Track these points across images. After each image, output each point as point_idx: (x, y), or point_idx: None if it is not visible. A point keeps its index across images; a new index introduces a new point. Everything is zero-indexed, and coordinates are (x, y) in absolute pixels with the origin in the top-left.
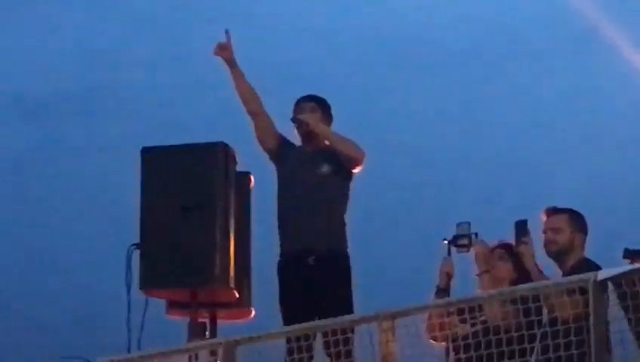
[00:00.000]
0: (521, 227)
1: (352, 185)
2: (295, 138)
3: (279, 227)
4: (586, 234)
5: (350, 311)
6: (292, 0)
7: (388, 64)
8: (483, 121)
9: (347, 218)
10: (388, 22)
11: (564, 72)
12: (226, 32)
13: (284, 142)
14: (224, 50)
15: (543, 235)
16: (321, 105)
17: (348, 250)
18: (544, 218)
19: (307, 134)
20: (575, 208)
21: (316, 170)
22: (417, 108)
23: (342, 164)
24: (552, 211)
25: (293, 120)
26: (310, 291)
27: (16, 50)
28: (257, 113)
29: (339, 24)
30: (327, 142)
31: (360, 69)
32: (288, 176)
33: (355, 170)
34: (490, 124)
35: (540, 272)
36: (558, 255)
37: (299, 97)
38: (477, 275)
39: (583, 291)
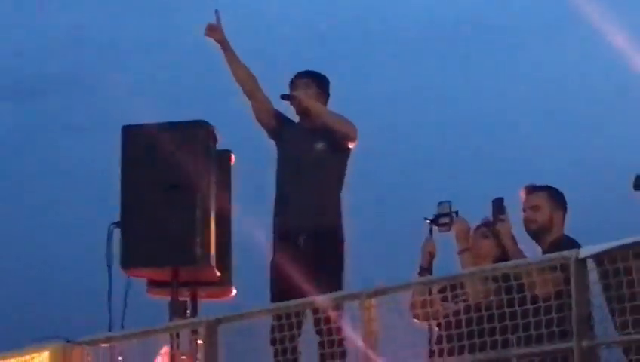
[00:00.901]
0: (498, 205)
1: (349, 161)
2: (294, 114)
3: (275, 203)
4: (565, 211)
5: (340, 288)
6: None
7: None
8: None
9: (343, 195)
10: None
11: None
12: (216, 12)
13: (282, 120)
14: (214, 32)
15: (523, 213)
16: (317, 81)
17: (343, 227)
18: (523, 196)
19: (301, 111)
20: (553, 185)
21: (312, 147)
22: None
23: (337, 141)
24: (531, 189)
25: (282, 96)
26: (301, 267)
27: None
28: (254, 94)
29: None
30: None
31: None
32: (286, 153)
33: (350, 146)
34: None
35: (518, 250)
36: (537, 233)
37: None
38: (458, 253)
39: (564, 268)
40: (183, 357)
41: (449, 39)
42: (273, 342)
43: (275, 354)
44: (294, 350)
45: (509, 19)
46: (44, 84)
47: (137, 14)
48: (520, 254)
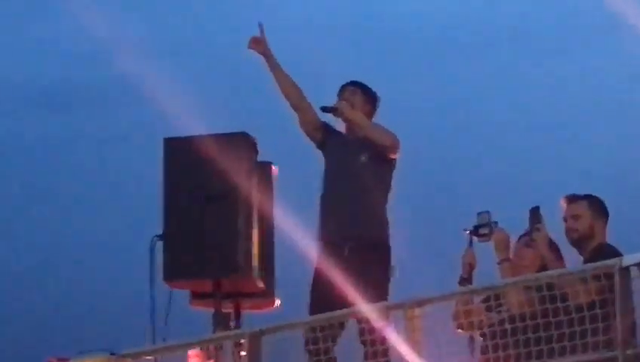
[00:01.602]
0: (535, 213)
1: (395, 173)
2: (340, 124)
3: (320, 213)
4: (606, 219)
5: (385, 298)
6: None
7: None
8: None
9: (389, 207)
10: None
11: None
12: (260, 25)
13: (328, 131)
14: (258, 44)
15: (564, 223)
16: (362, 89)
17: (388, 237)
18: (564, 205)
19: (345, 121)
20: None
21: (357, 158)
22: None
23: (379, 152)
24: (572, 198)
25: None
26: (346, 277)
27: (32, 39)
28: (299, 106)
29: None
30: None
31: None
32: (332, 163)
33: (393, 157)
34: None
35: (555, 259)
36: (579, 242)
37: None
38: (498, 263)
39: (608, 277)
40: None
41: (486, 44)
42: (309, 353)
43: None
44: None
45: (550, 24)
46: (80, 93)
47: (174, 21)
48: (556, 262)
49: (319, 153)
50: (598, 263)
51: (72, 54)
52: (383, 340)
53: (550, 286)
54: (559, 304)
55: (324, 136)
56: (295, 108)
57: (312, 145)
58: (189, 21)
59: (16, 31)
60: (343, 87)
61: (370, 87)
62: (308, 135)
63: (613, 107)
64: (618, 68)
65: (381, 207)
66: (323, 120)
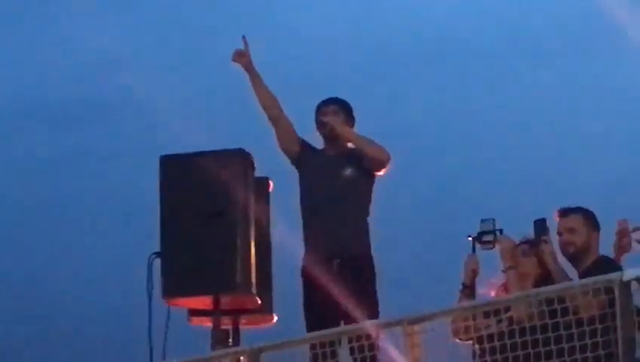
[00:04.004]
0: (540, 226)
1: (375, 186)
2: (316, 141)
3: (303, 231)
4: (599, 231)
5: (376, 315)
6: None
7: None
8: None
9: (370, 220)
10: None
11: None
12: (243, 38)
13: (305, 147)
14: (241, 57)
15: (559, 237)
16: (343, 108)
17: (372, 252)
18: (557, 219)
19: (331, 137)
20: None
21: (339, 173)
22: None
23: (365, 167)
24: (565, 211)
25: (317, 123)
26: (335, 295)
27: (39, 59)
28: (278, 119)
29: None
30: (350, 145)
31: None
32: (311, 180)
33: (380, 173)
34: None
35: (562, 271)
36: (575, 255)
37: (320, 101)
38: (503, 271)
39: (608, 291)
40: None
41: (489, 53)
42: None
43: None
44: None
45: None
46: (80, 110)
47: (171, 37)
48: (564, 275)
49: (294, 169)
50: (599, 277)
51: (71, 70)
52: (373, 358)
53: (551, 301)
54: (559, 318)
55: (301, 152)
56: (273, 120)
57: (287, 160)
58: (189, 34)
59: (26, 49)
60: (323, 106)
61: (345, 100)
62: (284, 150)
63: None
64: None
65: (364, 221)
66: (299, 136)
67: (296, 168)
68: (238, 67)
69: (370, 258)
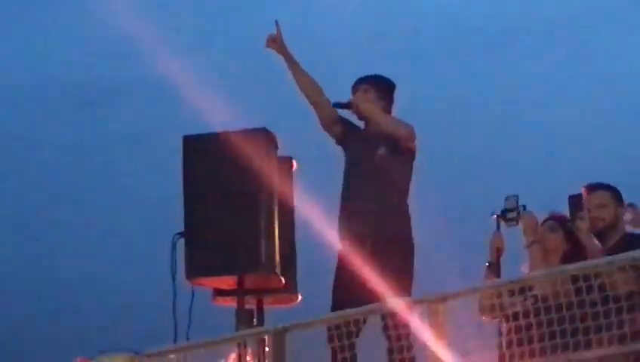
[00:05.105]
0: (576, 201)
1: (414, 163)
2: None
3: (340, 209)
4: (624, 207)
5: (408, 293)
6: None
7: None
8: None
9: (409, 199)
10: None
11: None
12: (276, 22)
13: (347, 126)
14: (274, 43)
15: (587, 213)
16: (376, 86)
17: (411, 232)
18: (585, 195)
19: (359, 116)
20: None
21: (374, 153)
22: None
23: (397, 144)
24: (593, 187)
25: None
26: (365, 276)
27: (61, 42)
28: (317, 102)
29: None
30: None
31: None
32: (351, 159)
33: (410, 146)
34: None
35: (598, 248)
36: (604, 231)
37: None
38: (526, 246)
39: (635, 268)
40: None
41: (506, 35)
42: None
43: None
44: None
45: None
46: (102, 93)
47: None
48: (600, 253)
49: (339, 149)
50: (626, 254)
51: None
52: (408, 335)
53: (575, 278)
54: (585, 296)
55: (343, 131)
56: (313, 104)
57: (332, 140)
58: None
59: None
60: (355, 85)
61: (384, 78)
62: (327, 130)
63: None
64: None
65: (402, 200)
66: (341, 115)
67: (342, 148)
68: (272, 52)
69: (406, 238)
